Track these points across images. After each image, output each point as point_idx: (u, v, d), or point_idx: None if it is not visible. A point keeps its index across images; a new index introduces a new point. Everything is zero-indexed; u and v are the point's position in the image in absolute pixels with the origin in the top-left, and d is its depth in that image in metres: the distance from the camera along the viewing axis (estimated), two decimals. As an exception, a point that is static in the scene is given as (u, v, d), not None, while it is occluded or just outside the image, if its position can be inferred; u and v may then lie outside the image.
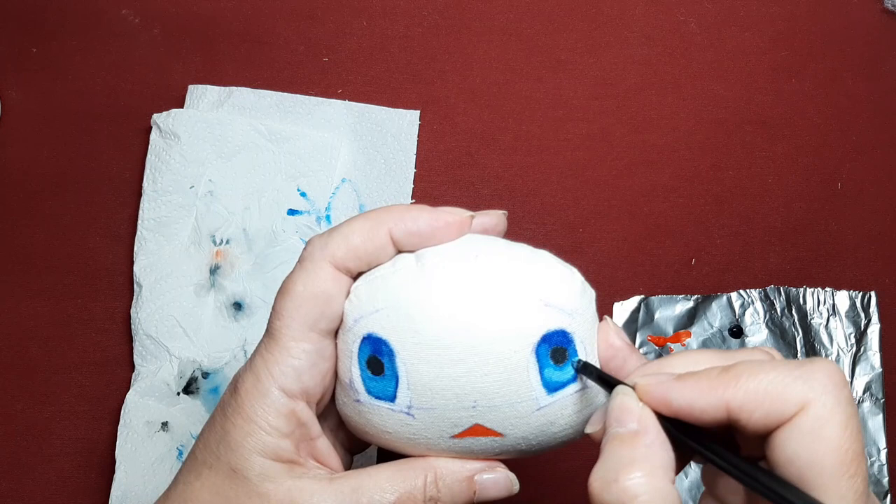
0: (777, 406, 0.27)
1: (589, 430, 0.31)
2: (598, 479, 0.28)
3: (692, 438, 0.29)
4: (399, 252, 0.35)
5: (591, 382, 0.34)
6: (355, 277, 0.35)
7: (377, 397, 0.34)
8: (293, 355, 0.34)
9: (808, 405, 0.27)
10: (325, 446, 0.36)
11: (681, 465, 0.30)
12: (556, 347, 0.34)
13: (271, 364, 0.34)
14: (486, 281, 0.34)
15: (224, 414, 0.34)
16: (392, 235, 0.35)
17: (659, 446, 0.29)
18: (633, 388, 0.30)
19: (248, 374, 0.34)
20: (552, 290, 0.34)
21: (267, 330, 0.35)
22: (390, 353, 0.34)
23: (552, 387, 0.34)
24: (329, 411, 0.37)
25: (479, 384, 0.33)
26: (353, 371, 0.35)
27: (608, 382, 0.32)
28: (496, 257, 0.34)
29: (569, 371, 0.34)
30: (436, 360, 0.33)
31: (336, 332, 0.35)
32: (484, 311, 0.33)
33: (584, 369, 0.34)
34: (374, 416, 0.35)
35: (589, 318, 0.35)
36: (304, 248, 0.35)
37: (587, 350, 0.34)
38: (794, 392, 0.27)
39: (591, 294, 0.36)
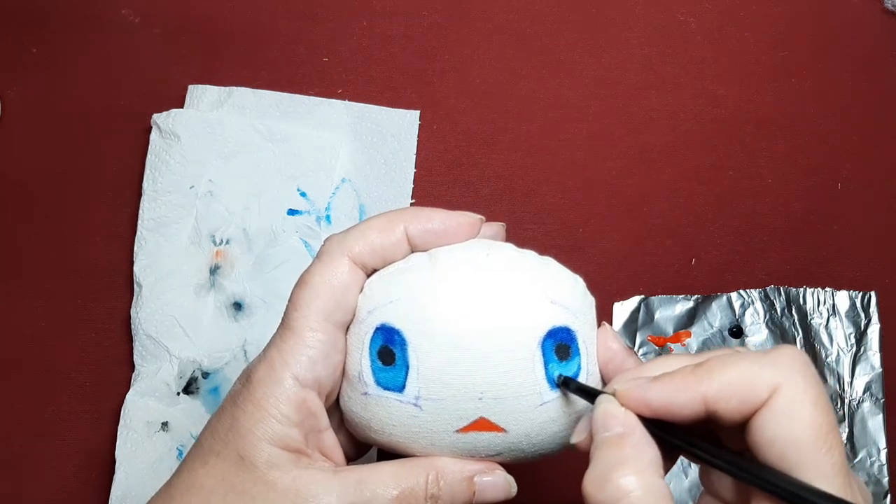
0: (751, 392, 0.29)
1: (575, 440, 0.33)
2: (592, 482, 0.29)
3: (675, 436, 0.30)
4: (413, 251, 0.37)
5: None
6: (369, 275, 0.37)
7: (386, 388, 0.35)
8: (308, 344, 0.35)
9: (779, 388, 0.28)
10: (332, 440, 0.36)
11: (668, 465, 0.31)
12: (560, 344, 0.35)
13: (286, 352, 0.35)
14: (496, 276, 0.35)
15: (234, 402, 0.35)
16: (407, 232, 0.36)
17: (646, 445, 0.30)
18: (613, 395, 0.31)
19: (261, 363, 0.35)
20: (558, 290, 0.35)
21: (282, 321, 0.36)
22: (402, 343, 0.34)
23: (556, 382, 0.35)
24: (331, 414, 0.37)
25: (487, 375, 0.34)
26: (362, 363, 0.35)
27: (590, 393, 0.33)
28: (506, 256, 0.36)
29: (571, 369, 0.35)
30: (446, 349, 0.34)
31: (347, 328, 0.36)
32: (493, 304, 0.34)
33: (566, 384, 0.35)
34: (381, 409, 0.35)
35: (590, 322, 0.36)
36: (323, 245, 0.37)
37: (588, 351, 0.36)
38: (765, 377, 0.29)
39: (592, 300, 0.37)
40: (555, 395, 0.35)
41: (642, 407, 0.30)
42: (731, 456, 0.29)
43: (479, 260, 0.36)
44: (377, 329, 0.35)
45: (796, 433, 0.28)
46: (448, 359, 0.34)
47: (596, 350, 0.36)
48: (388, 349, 0.35)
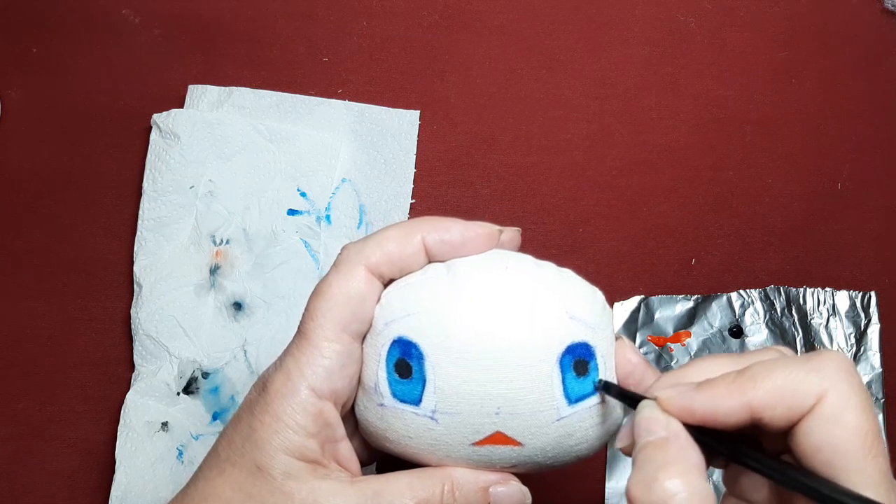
0: (796, 400, 0.29)
1: (619, 445, 0.33)
2: (637, 484, 0.29)
3: (718, 442, 0.30)
4: (430, 262, 0.36)
5: (610, 400, 0.36)
6: (386, 285, 0.36)
7: (402, 401, 0.35)
8: (325, 355, 0.34)
9: (825, 395, 0.29)
10: (348, 450, 0.36)
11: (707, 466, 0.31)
12: (578, 359, 0.35)
13: (303, 363, 0.34)
14: (515, 291, 0.35)
15: (251, 412, 0.35)
16: (425, 243, 0.36)
17: (690, 448, 0.30)
18: (655, 400, 0.31)
19: (278, 373, 0.35)
20: (577, 304, 0.35)
21: (299, 330, 0.35)
22: (419, 357, 0.34)
23: (573, 398, 0.35)
24: (345, 421, 0.37)
25: (504, 391, 0.34)
26: (379, 374, 0.35)
27: (631, 398, 0.33)
28: (525, 269, 0.36)
29: (589, 384, 0.35)
30: (464, 364, 0.34)
31: (363, 338, 0.36)
32: (513, 320, 0.34)
33: (607, 388, 0.35)
34: (397, 420, 0.35)
35: (608, 336, 0.36)
36: (340, 254, 0.36)
37: (606, 365, 0.36)
38: (811, 384, 0.29)
39: (610, 313, 0.37)
40: (572, 410, 0.35)
41: (686, 414, 0.30)
42: (778, 464, 0.29)
43: (498, 274, 0.35)
44: (394, 342, 0.35)
45: (843, 440, 0.28)
46: (465, 374, 0.34)
47: (614, 364, 0.36)
48: (405, 362, 0.35)
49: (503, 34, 0.56)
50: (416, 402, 0.35)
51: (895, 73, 0.57)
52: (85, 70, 0.56)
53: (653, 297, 0.54)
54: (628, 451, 0.32)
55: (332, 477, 0.34)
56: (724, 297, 0.54)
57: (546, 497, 0.51)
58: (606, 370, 0.36)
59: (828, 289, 0.54)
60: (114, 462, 0.50)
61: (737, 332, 0.53)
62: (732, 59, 0.57)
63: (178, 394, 0.51)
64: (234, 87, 0.54)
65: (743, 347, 0.53)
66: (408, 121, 0.55)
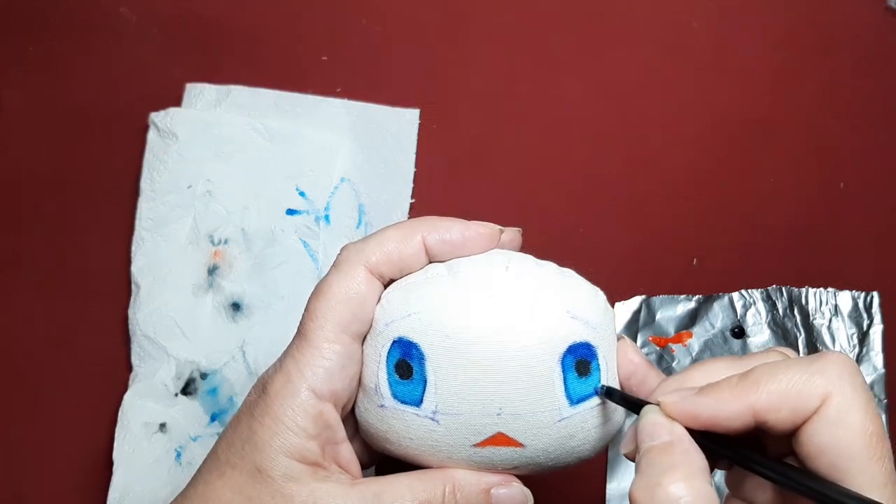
0: (800, 402, 0.29)
1: (623, 450, 0.33)
2: (641, 489, 0.29)
3: (722, 446, 0.30)
4: (430, 262, 0.36)
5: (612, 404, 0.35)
6: (386, 285, 0.36)
7: (403, 402, 0.35)
8: (325, 356, 0.34)
9: (829, 397, 0.29)
10: (348, 452, 0.36)
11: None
12: (580, 359, 0.35)
13: (303, 364, 0.34)
14: (516, 290, 0.35)
15: (251, 414, 0.35)
16: (425, 243, 0.36)
17: (693, 452, 0.30)
18: (658, 405, 0.31)
19: (278, 374, 0.35)
20: (579, 304, 0.35)
21: (298, 331, 0.35)
22: (420, 357, 0.34)
23: (575, 398, 0.35)
24: (345, 422, 0.37)
25: (505, 391, 0.34)
26: (379, 375, 0.35)
27: (634, 403, 0.33)
28: (526, 269, 0.36)
29: (591, 384, 0.35)
30: (465, 365, 0.34)
31: (364, 339, 0.36)
32: (514, 320, 0.34)
33: (609, 394, 0.35)
34: (398, 421, 0.35)
35: (610, 336, 0.36)
36: (340, 254, 0.36)
37: (608, 366, 0.35)
38: (815, 386, 0.29)
39: (612, 313, 0.37)
40: (573, 411, 0.35)
41: (689, 419, 0.30)
42: (782, 467, 0.29)
43: (499, 274, 0.35)
44: (395, 342, 0.35)
45: (847, 442, 0.28)
46: (466, 374, 0.34)
47: (616, 364, 0.36)
48: (406, 363, 0.35)
49: (503, 34, 0.56)
50: (417, 403, 0.34)
51: (897, 72, 0.57)
52: (82, 69, 0.55)
53: (654, 298, 0.54)
54: (632, 457, 0.32)
55: (332, 479, 0.34)
56: (726, 298, 0.53)
57: (547, 498, 0.51)
58: (608, 370, 0.35)
59: (830, 289, 0.54)
60: (111, 463, 0.50)
61: (739, 332, 0.53)
62: (733, 58, 0.57)
63: (177, 395, 0.51)
64: (232, 86, 0.54)
65: (745, 348, 0.53)
66: (407, 120, 0.54)
